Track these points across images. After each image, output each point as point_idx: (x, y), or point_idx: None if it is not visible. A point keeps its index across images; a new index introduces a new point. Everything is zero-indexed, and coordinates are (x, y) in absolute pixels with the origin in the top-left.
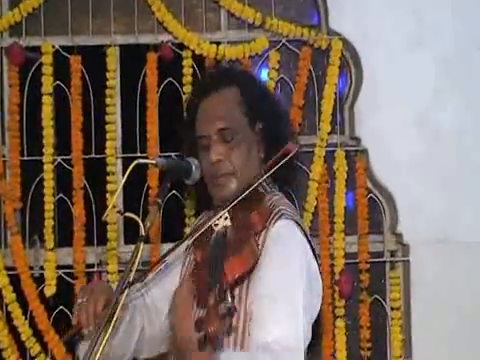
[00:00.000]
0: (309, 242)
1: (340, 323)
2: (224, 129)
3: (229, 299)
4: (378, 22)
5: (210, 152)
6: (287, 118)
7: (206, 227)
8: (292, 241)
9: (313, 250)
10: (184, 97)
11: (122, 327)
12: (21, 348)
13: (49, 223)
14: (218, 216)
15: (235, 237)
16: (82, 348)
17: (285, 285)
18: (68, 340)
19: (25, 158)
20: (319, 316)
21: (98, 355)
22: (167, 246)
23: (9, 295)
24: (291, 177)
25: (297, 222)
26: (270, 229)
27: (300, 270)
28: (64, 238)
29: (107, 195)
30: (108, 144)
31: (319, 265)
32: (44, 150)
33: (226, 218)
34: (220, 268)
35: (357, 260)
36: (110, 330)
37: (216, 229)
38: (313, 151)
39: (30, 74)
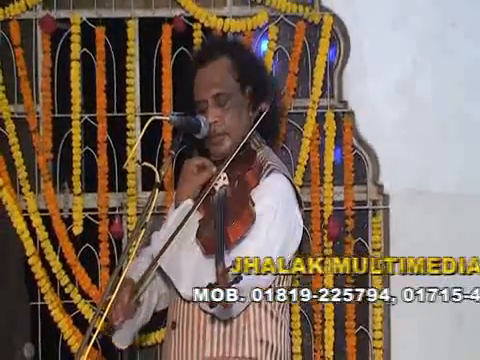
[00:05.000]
0: (295, 192)
1: None
2: (219, 94)
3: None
4: (365, 0)
5: (207, 115)
6: (272, 80)
7: (209, 189)
8: (275, 187)
9: (299, 199)
10: None
11: (144, 304)
12: (53, 279)
13: (77, 172)
14: (217, 177)
15: (234, 199)
16: (116, 335)
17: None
18: (103, 335)
19: (56, 115)
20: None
21: (104, 316)
22: None
23: (42, 234)
24: (275, 130)
25: (284, 174)
26: (260, 183)
27: (278, 214)
28: (90, 185)
29: (127, 148)
30: (128, 104)
31: (303, 211)
32: (72, 108)
33: (224, 178)
34: (223, 232)
35: (343, 207)
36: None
37: (216, 188)
38: (306, 112)
39: (60, 42)
